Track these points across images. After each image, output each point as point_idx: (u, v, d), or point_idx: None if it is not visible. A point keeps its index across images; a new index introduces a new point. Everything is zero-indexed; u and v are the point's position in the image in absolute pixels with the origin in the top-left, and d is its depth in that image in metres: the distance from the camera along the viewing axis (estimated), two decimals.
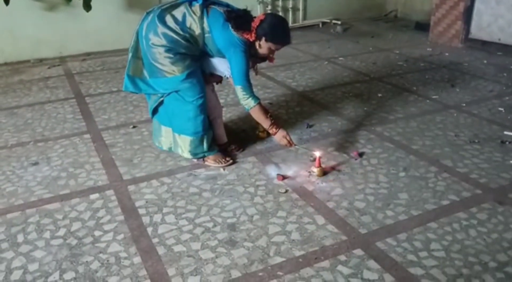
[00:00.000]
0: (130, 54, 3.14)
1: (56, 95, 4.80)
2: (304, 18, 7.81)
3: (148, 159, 3.36)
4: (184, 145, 3.18)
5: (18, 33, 5.99)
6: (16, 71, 5.73)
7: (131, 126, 3.94)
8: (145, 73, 3.11)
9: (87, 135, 3.80)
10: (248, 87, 2.94)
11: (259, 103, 2.98)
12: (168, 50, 2.89)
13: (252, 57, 3.01)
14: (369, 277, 2.12)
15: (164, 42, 2.88)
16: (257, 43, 2.93)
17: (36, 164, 3.33)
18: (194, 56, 2.99)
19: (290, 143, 3.07)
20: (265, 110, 3.03)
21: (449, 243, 2.34)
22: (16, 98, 4.74)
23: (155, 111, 3.30)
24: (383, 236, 2.41)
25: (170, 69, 2.93)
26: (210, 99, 3.23)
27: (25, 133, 3.87)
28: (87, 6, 5.72)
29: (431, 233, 2.42)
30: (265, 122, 3.03)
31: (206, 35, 2.91)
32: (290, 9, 7.63)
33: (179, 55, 2.91)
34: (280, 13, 7.53)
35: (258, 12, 7.46)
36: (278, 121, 3.18)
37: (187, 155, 3.21)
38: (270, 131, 3.06)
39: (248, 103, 2.95)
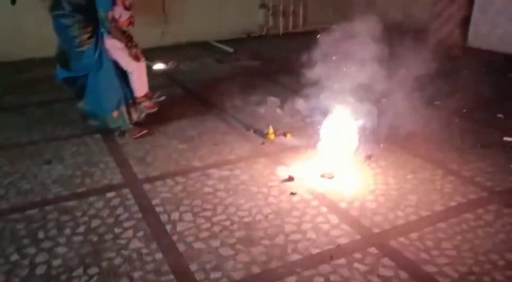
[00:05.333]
0: None
1: (63, 95, 4.83)
2: (304, 23, 7.93)
3: (160, 158, 3.43)
4: None
5: (23, 32, 6.01)
6: (22, 70, 5.75)
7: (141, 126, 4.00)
8: None
9: (98, 135, 3.85)
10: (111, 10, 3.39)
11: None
12: None
13: None
14: (385, 273, 2.21)
15: None
16: None
17: (49, 162, 3.37)
18: None
19: (138, 57, 3.58)
20: (122, 31, 3.52)
21: (459, 243, 2.44)
22: (23, 97, 4.77)
23: None
24: (395, 235, 2.51)
25: None
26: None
27: (36, 132, 3.91)
28: None
29: (441, 233, 2.52)
30: (122, 39, 3.52)
31: None
32: (290, 14, 7.74)
33: None
34: (281, 18, 7.65)
35: (259, 17, 7.57)
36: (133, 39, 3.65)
37: None
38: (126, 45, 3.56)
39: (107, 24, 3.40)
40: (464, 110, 4.36)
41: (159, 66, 3.71)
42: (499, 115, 4.28)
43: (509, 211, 2.73)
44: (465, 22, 6.36)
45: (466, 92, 4.88)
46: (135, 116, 3.79)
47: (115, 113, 3.68)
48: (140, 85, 3.75)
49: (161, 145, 3.65)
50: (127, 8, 3.56)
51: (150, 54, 6.56)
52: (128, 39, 3.60)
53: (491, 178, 3.12)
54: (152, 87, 5.16)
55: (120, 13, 3.50)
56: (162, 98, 3.93)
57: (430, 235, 2.51)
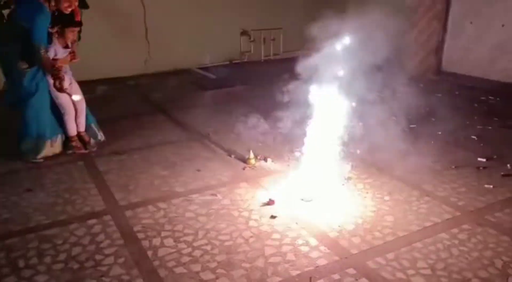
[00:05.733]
0: None
1: None
2: (284, 50, 8.12)
3: (142, 184, 3.46)
4: None
5: None
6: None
7: (123, 153, 4.04)
8: None
9: (81, 162, 3.87)
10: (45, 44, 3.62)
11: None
12: None
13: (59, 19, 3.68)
14: None
15: None
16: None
17: (30, 190, 3.38)
18: None
19: (60, 89, 3.74)
20: (52, 64, 3.71)
21: (434, 262, 2.51)
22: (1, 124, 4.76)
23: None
24: (373, 255, 2.56)
25: None
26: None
27: (16, 160, 3.90)
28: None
29: (417, 252, 2.59)
30: (49, 71, 3.70)
31: None
32: (271, 41, 7.93)
33: None
34: (262, 45, 7.83)
35: (241, 44, 7.74)
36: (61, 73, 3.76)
37: None
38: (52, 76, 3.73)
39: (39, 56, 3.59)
40: (439, 133, 4.51)
41: (76, 97, 3.99)
42: (473, 136, 4.43)
43: (482, 229, 2.82)
44: (439, 48, 6.62)
45: (441, 115, 5.05)
46: (57, 149, 3.99)
47: (30, 140, 3.83)
48: (70, 127, 4.02)
49: (144, 172, 3.68)
50: (67, 46, 3.87)
51: (133, 80, 6.67)
52: (56, 71, 3.74)
53: (465, 197, 3.23)
54: (136, 114, 5.25)
55: (56, 51, 3.80)
56: (94, 149, 4.12)
57: (406, 254, 2.57)
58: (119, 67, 6.64)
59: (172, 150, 4.13)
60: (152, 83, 6.64)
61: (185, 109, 5.35)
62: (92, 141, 4.16)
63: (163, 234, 2.80)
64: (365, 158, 3.84)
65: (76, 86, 4.05)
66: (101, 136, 4.26)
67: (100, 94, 6.09)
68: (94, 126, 4.24)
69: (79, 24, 3.91)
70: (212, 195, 3.28)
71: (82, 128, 4.13)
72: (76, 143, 4.04)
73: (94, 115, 4.33)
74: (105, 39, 6.48)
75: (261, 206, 3.11)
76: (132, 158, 3.96)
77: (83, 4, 4.05)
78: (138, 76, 6.83)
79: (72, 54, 3.94)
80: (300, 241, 2.71)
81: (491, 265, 2.47)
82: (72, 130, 4.04)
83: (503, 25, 5.93)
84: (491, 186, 3.38)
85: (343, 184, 3.38)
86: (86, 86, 6.30)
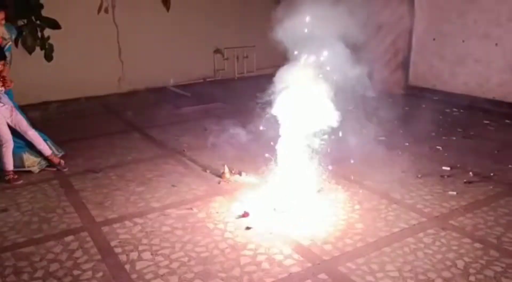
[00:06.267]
0: None
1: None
2: (257, 67, 8.30)
3: (118, 201, 3.50)
4: None
5: None
6: None
7: (99, 172, 4.07)
8: None
9: (55, 181, 3.89)
10: None
11: None
12: None
13: None
14: None
15: None
16: None
17: (5, 210, 3.38)
18: None
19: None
20: None
21: (401, 264, 2.64)
22: None
23: None
24: (344, 261, 2.68)
25: None
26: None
27: None
28: (48, 57, 5.90)
29: (385, 257, 2.72)
30: None
31: None
32: (244, 59, 8.10)
33: None
34: (236, 63, 7.99)
35: (214, 60, 7.88)
36: None
37: None
38: None
39: None
40: (406, 144, 4.71)
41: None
42: (438, 147, 4.64)
43: (445, 233, 2.97)
44: (406, 63, 6.91)
45: (408, 127, 5.27)
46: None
47: None
48: (6, 160, 3.93)
49: (119, 189, 3.73)
50: None
51: (107, 99, 6.70)
52: None
53: (430, 204, 3.39)
54: (110, 133, 5.29)
55: None
56: (65, 170, 4.13)
57: (376, 259, 2.70)
58: (92, 86, 6.67)
59: (147, 166, 4.19)
60: (126, 101, 6.69)
61: (160, 127, 5.42)
62: (62, 162, 4.17)
63: (140, 248, 2.85)
64: (336, 170, 3.98)
65: (19, 117, 4.00)
66: (60, 150, 4.29)
67: (74, 113, 6.10)
68: (49, 143, 4.23)
69: (3, 57, 3.86)
70: (188, 209, 3.35)
71: (48, 152, 4.11)
72: (10, 177, 3.91)
73: (68, 134, 4.37)
74: (78, 59, 6.52)
75: (236, 218, 3.20)
76: (107, 176, 3.99)
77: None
78: (112, 95, 6.86)
79: (3, 80, 3.85)
80: (274, 250, 2.80)
81: (454, 265, 2.62)
82: (8, 165, 3.91)
83: (463, 41, 6.25)
84: (455, 193, 3.56)
85: (315, 195, 3.50)
86: (59, 105, 6.35)
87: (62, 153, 4.32)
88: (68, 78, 6.53)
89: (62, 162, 4.18)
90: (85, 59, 6.57)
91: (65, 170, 4.12)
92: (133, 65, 7.02)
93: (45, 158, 4.11)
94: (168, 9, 7.03)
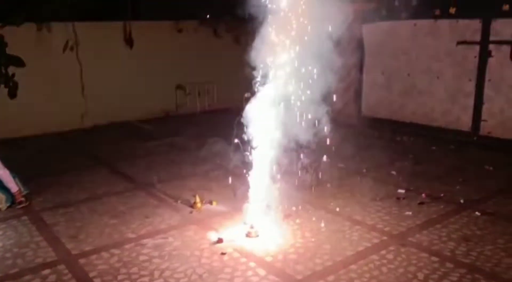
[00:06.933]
0: None
1: None
2: (218, 101, 8.56)
3: (93, 234, 3.56)
4: None
5: None
6: None
7: (69, 206, 4.10)
8: None
9: (25, 217, 3.89)
10: None
11: None
12: None
13: None
14: None
15: None
16: None
17: None
18: None
19: None
20: None
21: (368, 280, 2.88)
22: None
23: None
24: (315, 279, 2.88)
25: None
26: None
27: None
28: (12, 94, 5.90)
29: (353, 273, 2.95)
30: None
31: None
32: (205, 94, 8.35)
33: None
34: (197, 97, 8.22)
35: (176, 95, 8.08)
36: None
37: None
38: None
39: None
40: (364, 170, 5.05)
41: None
42: (393, 172, 5.01)
43: (405, 249, 3.25)
44: (358, 95, 7.39)
45: (364, 155, 5.63)
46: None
47: None
48: None
49: (92, 222, 3.78)
50: None
51: (71, 134, 6.69)
52: None
53: (389, 224, 3.68)
54: (77, 168, 5.30)
55: None
56: (27, 204, 4.15)
57: (344, 276, 2.92)
58: (56, 123, 6.68)
59: (119, 199, 4.26)
60: (91, 137, 6.72)
61: (127, 161, 5.50)
62: (23, 200, 4.14)
63: (119, 277, 2.93)
64: (302, 196, 4.22)
65: None
66: (24, 188, 4.27)
67: (38, 149, 6.06)
68: (17, 180, 4.23)
69: None
70: (163, 238, 3.46)
71: (15, 188, 4.12)
72: None
73: (33, 170, 4.37)
74: (41, 95, 6.54)
75: (211, 244, 3.34)
76: (79, 210, 4.03)
77: None
78: (75, 131, 6.88)
79: None
80: (249, 273, 2.96)
81: (415, 277, 2.89)
82: None
83: (408, 74, 6.82)
84: (410, 213, 3.89)
85: (284, 220, 3.71)
86: (23, 142, 6.28)
87: (27, 191, 4.29)
88: (31, 115, 6.51)
89: (24, 200, 4.15)
90: (49, 96, 6.60)
91: (27, 204, 4.11)
92: (96, 101, 7.09)
93: (12, 195, 4.10)
94: (131, 47, 7.23)
